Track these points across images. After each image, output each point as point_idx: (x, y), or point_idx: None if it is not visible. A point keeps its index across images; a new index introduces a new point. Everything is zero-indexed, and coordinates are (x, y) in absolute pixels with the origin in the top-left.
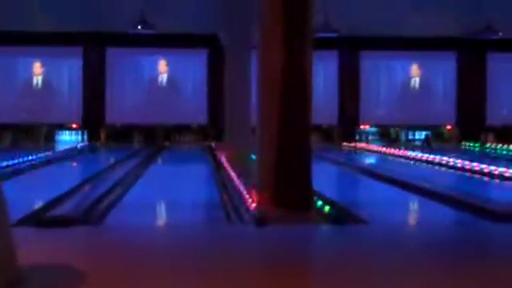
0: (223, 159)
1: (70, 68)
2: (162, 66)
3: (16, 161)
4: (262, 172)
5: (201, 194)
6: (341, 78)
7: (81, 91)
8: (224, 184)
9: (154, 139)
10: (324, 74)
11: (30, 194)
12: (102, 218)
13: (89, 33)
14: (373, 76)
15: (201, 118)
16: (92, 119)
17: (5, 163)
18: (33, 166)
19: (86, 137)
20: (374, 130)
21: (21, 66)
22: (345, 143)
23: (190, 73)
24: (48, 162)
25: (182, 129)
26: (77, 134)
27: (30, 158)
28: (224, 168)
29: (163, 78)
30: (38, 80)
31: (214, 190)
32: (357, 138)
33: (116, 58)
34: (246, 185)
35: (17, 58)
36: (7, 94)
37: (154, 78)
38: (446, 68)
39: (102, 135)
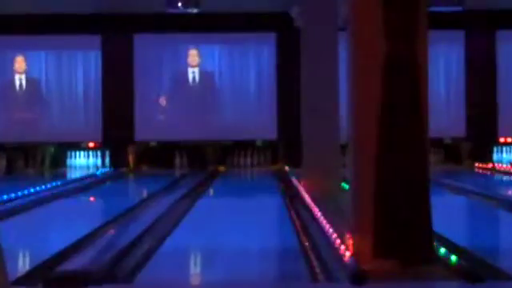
0: (302, 190)
1: (85, 64)
2: (192, 59)
3: (12, 195)
4: (359, 208)
5: (271, 239)
6: (469, 69)
7: (100, 96)
8: (304, 225)
9: (203, 162)
10: (445, 65)
11: (33, 242)
12: (131, 274)
13: (109, 15)
14: None
15: (268, 131)
16: (116, 135)
17: None
18: (36, 202)
19: (108, 159)
20: None
21: (12, 62)
22: (478, 163)
23: (252, 67)
24: (56, 195)
25: (241, 147)
26: (95, 155)
27: (31, 190)
28: (303, 203)
29: (214, 75)
30: (38, 82)
31: (290, 233)
32: (495, 155)
33: (148, 49)
34: (335, 226)
35: (6, 50)
36: None
37: (202, 76)
38: None
39: (131, 157)
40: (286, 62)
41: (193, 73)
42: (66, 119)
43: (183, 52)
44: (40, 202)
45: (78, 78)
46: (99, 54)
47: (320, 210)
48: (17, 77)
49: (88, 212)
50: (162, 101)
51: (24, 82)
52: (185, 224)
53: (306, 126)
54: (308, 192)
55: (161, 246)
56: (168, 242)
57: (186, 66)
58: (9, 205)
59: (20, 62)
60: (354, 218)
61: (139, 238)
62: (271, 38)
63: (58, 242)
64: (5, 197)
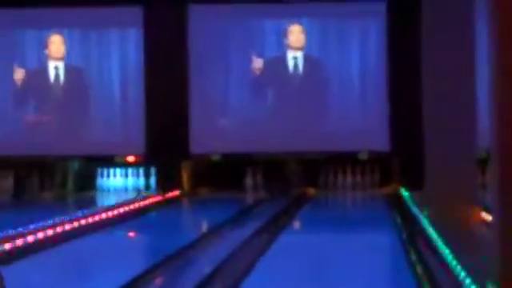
0: (425, 222)
1: (121, 46)
2: (295, 38)
3: (21, 228)
4: (508, 249)
5: None
6: None
7: (141, 91)
8: (429, 272)
9: (284, 182)
10: None
11: None
12: None
13: None
14: None
15: (376, 139)
16: (165, 146)
17: (2, 235)
18: (53, 239)
19: (153, 180)
20: None
21: (28, 47)
22: None
23: (350, 51)
24: (82, 229)
25: (337, 161)
26: (136, 174)
27: (48, 222)
28: (427, 240)
29: (298, 61)
30: (57, 71)
31: (409, 282)
32: None
33: (208, 25)
34: (473, 273)
35: (20, 31)
36: (2, 100)
37: (282, 64)
38: None
39: (185, 175)
40: (399, 44)
41: (294, 58)
42: (96, 124)
43: (264, 32)
44: (60, 238)
45: (110, 67)
46: (140, 32)
47: (451, 251)
48: (51, 67)
49: (127, 253)
50: (257, 63)
51: (61, 75)
52: (260, 270)
53: (430, 133)
54: (433, 225)
55: None
56: None
57: (267, 50)
58: (17, 242)
59: (56, 47)
60: (502, 262)
61: None
62: (380, 10)
63: None
64: (11, 231)
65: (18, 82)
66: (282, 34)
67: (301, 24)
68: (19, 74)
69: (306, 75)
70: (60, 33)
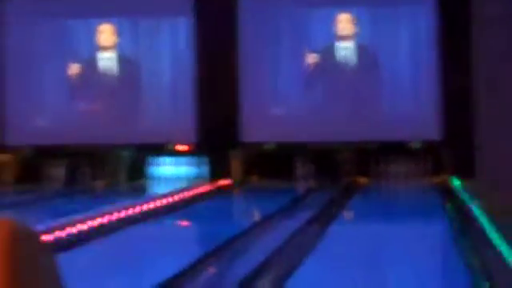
0: (477, 213)
1: (172, 35)
2: (344, 26)
3: (75, 216)
4: None
5: (434, 285)
6: None
7: (193, 80)
8: (484, 266)
9: (335, 171)
10: None
11: (105, 285)
12: None
13: None
14: None
15: (428, 128)
16: (216, 135)
17: (54, 224)
18: (106, 228)
19: (204, 168)
20: None
21: (78, 36)
22: None
23: (400, 38)
24: (134, 218)
25: (389, 150)
26: (187, 162)
27: (100, 210)
28: (480, 232)
29: (348, 50)
30: (108, 61)
31: (462, 278)
32: None
33: (257, 14)
34: None
35: (70, 20)
36: (55, 90)
37: (333, 53)
38: None
39: (236, 164)
40: (450, 28)
41: (344, 48)
42: (147, 113)
43: (318, 19)
44: (111, 227)
45: (162, 56)
46: (191, 20)
47: (503, 240)
48: (101, 56)
49: (179, 242)
50: (310, 57)
51: (112, 64)
52: (311, 260)
53: (483, 119)
54: (485, 214)
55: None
56: (292, 279)
57: (320, 36)
58: (69, 231)
59: (107, 36)
60: None
61: (249, 280)
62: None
63: (140, 284)
64: (63, 220)
65: (69, 73)
66: (332, 23)
67: (350, 12)
68: (71, 65)
69: (357, 64)
70: (110, 22)
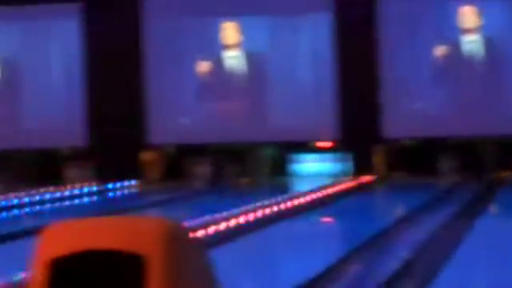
0: None
1: (312, 30)
2: (468, 19)
3: (219, 215)
4: None
5: None
6: None
7: (334, 77)
8: None
9: (479, 165)
10: None
11: (258, 278)
12: None
13: None
14: None
15: None
16: (358, 132)
17: (200, 221)
18: (250, 225)
19: (347, 164)
20: None
21: (212, 34)
22: None
23: None
24: (278, 215)
25: None
26: (331, 158)
27: (244, 208)
28: None
29: (475, 43)
30: (234, 59)
31: None
32: None
33: (395, 10)
34: None
35: (209, 17)
36: (195, 89)
37: (460, 47)
38: None
39: (378, 160)
40: None
41: (470, 41)
42: (289, 111)
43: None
44: (255, 224)
45: (300, 53)
46: (330, 16)
47: None
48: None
49: (322, 240)
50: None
51: (241, 61)
52: (458, 257)
53: None
54: None
55: (430, 279)
56: (436, 284)
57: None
58: (212, 229)
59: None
60: None
61: (396, 278)
62: None
63: (283, 282)
64: (208, 217)
65: (202, 72)
66: (456, 17)
67: (474, 5)
68: (202, 64)
69: (485, 57)
70: (235, 20)
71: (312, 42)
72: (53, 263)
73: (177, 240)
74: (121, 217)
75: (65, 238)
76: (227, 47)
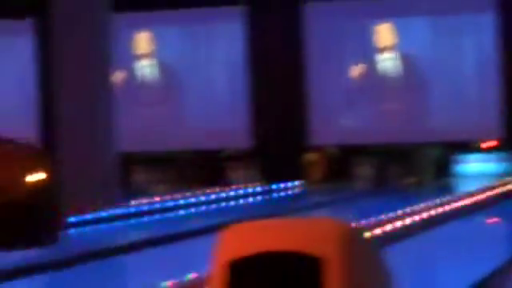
0: None
1: (477, 31)
2: None
3: (384, 216)
4: None
5: None
6: None
7: (494, 72)
8: None
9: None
10: None
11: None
12: None
13: None
14: None
15: None
16: None
17: (366, 222)
18: (417, 225)
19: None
20: None
21: (369, 35)
22: None
23: None
24: (443, 216)
25: None
26: (496, 158)
27: (408, 209)
28: None
29: None
30: (390, 60)
31: None
32: None
33: None
34: None
35: (367, 19)
36: (355, 90)
37: None
38: None
39: None
40: None
41: None
42: (445, 109)
43: None
44: (419, 225)
45: (465, 53)
46: (495, 16)
47: None
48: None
49: (489, 241)
50: None
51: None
52: None
53: None
54: None
55: None
56: None
57: None
58: (380, 229)
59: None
60: None
61: None
62: None
63: (451, 282)
64: (374, 219)
65: (361, 73)
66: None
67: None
68: (361, 66)
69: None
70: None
71: (479, 43)
72: (231, 264)
73: (354, 241)
74: (296, 218)
75: (243, 239)
76: (382, 49)
